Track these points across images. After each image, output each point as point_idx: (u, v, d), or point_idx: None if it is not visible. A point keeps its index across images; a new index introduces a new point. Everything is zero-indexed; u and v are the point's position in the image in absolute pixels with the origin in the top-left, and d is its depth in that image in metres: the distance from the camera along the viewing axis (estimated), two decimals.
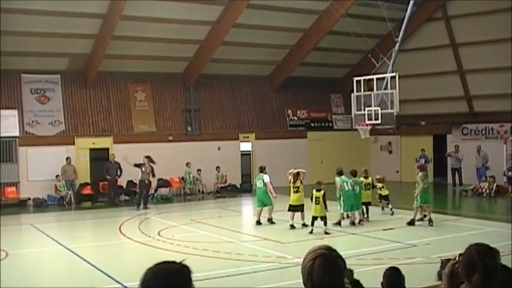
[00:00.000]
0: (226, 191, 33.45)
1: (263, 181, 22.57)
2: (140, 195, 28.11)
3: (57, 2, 26.50)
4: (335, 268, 3.54)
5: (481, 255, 4.04)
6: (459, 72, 34.56)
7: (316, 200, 19.75)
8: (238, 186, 34.69)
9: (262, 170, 23.35)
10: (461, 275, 4.16)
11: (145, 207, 27.62)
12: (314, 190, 20.00)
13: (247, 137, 35.87)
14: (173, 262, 3.37)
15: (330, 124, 39.11)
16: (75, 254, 17.43)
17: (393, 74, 25.62)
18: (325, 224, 19.79)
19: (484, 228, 20.05)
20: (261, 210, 22.42)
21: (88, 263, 16.15)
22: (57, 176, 29.48)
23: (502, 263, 6.35)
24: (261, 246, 17.92)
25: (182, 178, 32.27)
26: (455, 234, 18.67)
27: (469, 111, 35.41)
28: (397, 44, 27.34)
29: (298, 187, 21.12)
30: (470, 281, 4.06)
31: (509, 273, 6.24)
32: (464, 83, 34.68)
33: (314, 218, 19.82)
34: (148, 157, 28.07)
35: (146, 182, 28.05)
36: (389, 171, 33.79)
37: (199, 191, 33.12)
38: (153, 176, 28.38)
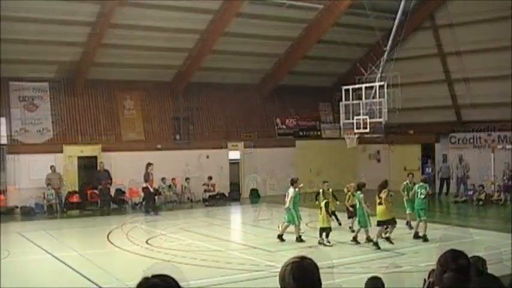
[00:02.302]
0: (215, 200, 33.39)
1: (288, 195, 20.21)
2: (148, 202, 29.02)
3: (46, 9, 26.43)
4: (305, 275, 3.61)
5: (454, 257, 4.16)
6: (447, 82, 34.72)
7: (320, 210, 19.33)
8: (227, 194, 34.63)
9: (292, 182, 20.56)
10: (436, 277, 4.22)
11: (156, 213, 28.49)
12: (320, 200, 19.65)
13: (236, 146, 35.84)
14: (162, 275, 3.39)
15: (319, 133, 39.15)
16: (63, 262, 17.35)
17: (382, 83, 25.71)
18: (326, 235, 19.19)
19: (474, 236, 20.09)
20: (286, 225, 20.11)
21: (76, 272, 16.07)
22: (48, 185, 29.36)
23: (488, 272, 6.38)
24: (250, 255, 17.90)
25: (170, 186, 32.23)
26: (444, 243, 18.68)
27: (457, 120, 35.56)
28: (385, 53, 27.45)
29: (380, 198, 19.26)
30: (441, 280, 4.11)
31: (497, 282, 6.26)
32: (452, 92, 34.84)
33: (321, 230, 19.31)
34: (150, 164, 28.89)
35: (149, 187, 29.05)
36: (377, 180, 33.75)
37: (187, 199, 33.04)
38: (152, 181, 29.33)
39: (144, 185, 29.08)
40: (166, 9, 28.62)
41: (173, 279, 3.37)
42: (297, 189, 19.98)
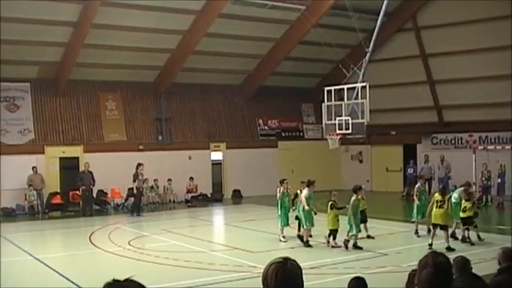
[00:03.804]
0: (197, 200, 33.35)
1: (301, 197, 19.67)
2: (136, 203, 28.98)
3: (28, 9, 26.24)
4: (288, 277, 3.59)
5: (434, 256, 4.18)
6: (429, 83, 34.87)
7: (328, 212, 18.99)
8: (209, 195, 34.59)
9: (309, 184, 19.79)
10: (416, 277, 4.26)
11: (139, 215, 28.36)
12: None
13: (218, 147, 35.83)
14: (126, 280, 3.35)
15: (301, 134, 39.22)
16: (45, 264, 17.25)
17: (364, 84, 25.73)
18: (331, 236, 18.98)
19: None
20: (307, 230, 19.45)
21: (58, 273, 15.99)
22: (29, 186, 29.18)
23: (473, 272, 6.41)
24: (232, 256, 17.86)
25: (152, 187, 32.08)
26: (426, 244, 18.72)
27: (439, 121, 35.73)
28: (368, 54, 27.51)
29: (443, 201, 18.79)
30: (420, 277, 4.14)
31: (483, 282, 6.29)
32: (433, 93, 34.99)
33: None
34: (140, 164, 28.86)
35: (141, 189, 29.21)
36: (359, 181, 33.88)
37: (170, 200, 32.95)
38: (143, 182, 29.58)
39: (133, 185, 29.07)
40: (149, 9, 28.54)
41: (139, 283, 3.34)
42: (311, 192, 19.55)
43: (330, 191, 19.98)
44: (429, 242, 18.25)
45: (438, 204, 18.68)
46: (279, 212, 20.38)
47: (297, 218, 20.00)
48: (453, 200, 19.66)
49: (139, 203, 29.16)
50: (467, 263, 7.06)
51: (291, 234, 20.27)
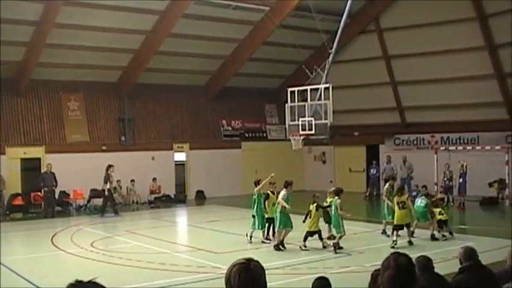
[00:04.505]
0: (160, 201, 33.22)
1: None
2: (105, 205, 28.98)
3: None
4: (251, 277, 3.61)
5: (395, 258, 4.23)
6: (391, 84, 35.15)
7: (310, 214, 18.87)
8: (173, 196, 34.49)
9: (286, 185, 19.50)
10: (380, 278, 4.29)
11: (117, 214, 28.64)
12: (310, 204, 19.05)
13: (182, 147, 35.75)
14: (86, 282, 3.34)
15: (265, 134, 39.30)
16: (5, 266, 17.02)
17: (327, 85, 25.81)
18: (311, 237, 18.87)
19: (418, 237, 20.34)
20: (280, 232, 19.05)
21: (19, 275, 15.83)
22: None
23: (435, 271, 6.46)
24: (196, 257, 17.82)
25: (115, 188, 31.79)
26: (389, 243, 18.87)
27: (401, 121, 36.04)
28: (331, 56, 27.60)
29: (404, 202, 19.35)
30: (382, 278, 4.18)
31: (444, 281, 6.35)
32: (396, 94, 35.28)
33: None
34: (111, 166, 28.95)
35: (111, 190, 29.26)
36: (323, 181, 34.12)
37: (133, 201, 32.78)
38: (111, 183, 29.49)
39: (104, 186, 28.98)
40: (112, 9, 28.34)
41: (101, 285, 3.32)
42: (337, 200, 18.78)
43: (313, 194, 19.64)
44: (394, 240, 18.75)
45: (401, 205, 19.15)
46: (256, 213, 19.93)
47: (267, 220, 19.96)
48: (421, 205, 20.46)
49: (113, 203, 29.33)
50: (429, 262, 7.14)
51: (256, 235, 20.28)
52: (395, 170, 33.57)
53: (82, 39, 29.61)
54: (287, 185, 19.32)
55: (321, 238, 18.81)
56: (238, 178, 34.73)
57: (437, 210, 20.38)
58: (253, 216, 20.04)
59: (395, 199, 19.53)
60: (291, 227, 18.92)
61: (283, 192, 19.07)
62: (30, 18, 27.58)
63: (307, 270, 15.01)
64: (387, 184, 22.11)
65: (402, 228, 19.19)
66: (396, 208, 19.30)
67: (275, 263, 15.41)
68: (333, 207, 18.75)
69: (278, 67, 37.22)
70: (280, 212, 18.84)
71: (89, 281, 3.32)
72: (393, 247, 17.89)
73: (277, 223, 18.96)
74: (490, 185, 31.23)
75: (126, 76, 33.57)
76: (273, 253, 18.21)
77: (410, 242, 18.85)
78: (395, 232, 19.09)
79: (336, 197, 18.86)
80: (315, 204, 18.79)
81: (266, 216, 19.85)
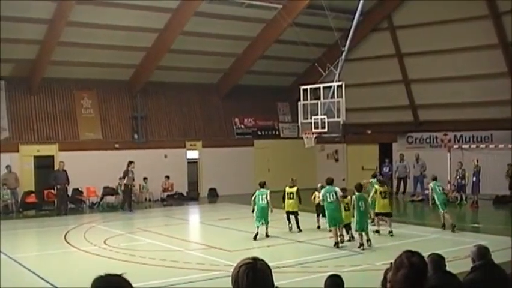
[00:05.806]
0: (173, 199, 33.26)
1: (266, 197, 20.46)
2: (125, 200, 29.55)
3: (1, 6, 26.02)
4: (259, 277, 3.63)
5: (408, 256, 4.20)
6: (404, 82, 35.06)
7: (290, 196, 21.34)
8: (185, 194, 34.53)
9: (262, 185, 21.01)
10: (391, 276, 4.27)
11: (130, 211, 29.00)
12: (287, 187, 21.49)
13: (194, 145, 35.78)
14: (114, 275, 3.37)
15: (277, 132, 39.26)
16: (18, 263, 17.13)
17: (340, 83, 25.78)
18: (297, 220, 21.28)
19: (429, 235, 20.30)
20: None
21: (33, 273, 15.88)
22: (4, 185, 28.93)
23: (447, 269, 6.45)
24: (209, 255, 17.84)
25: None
26: (401, 242, 18.85)
27: (414, 120, 35.95)
28: (343, 54, 27.56)
29: (385, 192, 21.00)
30: (395, 278, 4.16)
31: (457, 280, 6.33)
32: (409, 93, 35.20)
33: (289, 213, 21.45)
34: (132, 162, 29.38)
35: (130, 186, 29.52)
36: (335, 179, 33.91)
37: (145, 199, 32.84)
38: (133, 180, 29.94)
39: (123, 181, 29.56)
40: (124, 7, 28.42)
41: (127, 280, 3.36)
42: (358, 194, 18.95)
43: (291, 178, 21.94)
44: (376, 229, 20.61)
45: (383, 195, 20.56)
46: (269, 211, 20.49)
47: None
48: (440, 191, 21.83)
49: (130, 199, 29.70)
50: (441, 260, 7.12)
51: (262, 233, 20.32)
52: (408, 168, 33.53)
53: (95, 38, 29.69)
54: (359, 188, 19.28)
55: (348, 231, 19.30)
56: (251, 176, 34.62)
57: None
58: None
59: (377, 188, 20.77)
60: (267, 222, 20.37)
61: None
62: (43, 17, 27.69)
63: (317, 269, 14.97)
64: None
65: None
66: (379, 198, 20.62)
67: (287, 261, 15.39)
68: (356, 202, 18.60)
69: (290, 65, 37.18)
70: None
71: (118, 275, 3.37)
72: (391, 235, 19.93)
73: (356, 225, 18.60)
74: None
75: (139, 74, 33.64)
76: (284, 250, 18.21)
77: (391, 232, 20.34)
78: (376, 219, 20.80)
79: (357, 193, 18.86)
80: (295, 188, 21.43)
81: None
